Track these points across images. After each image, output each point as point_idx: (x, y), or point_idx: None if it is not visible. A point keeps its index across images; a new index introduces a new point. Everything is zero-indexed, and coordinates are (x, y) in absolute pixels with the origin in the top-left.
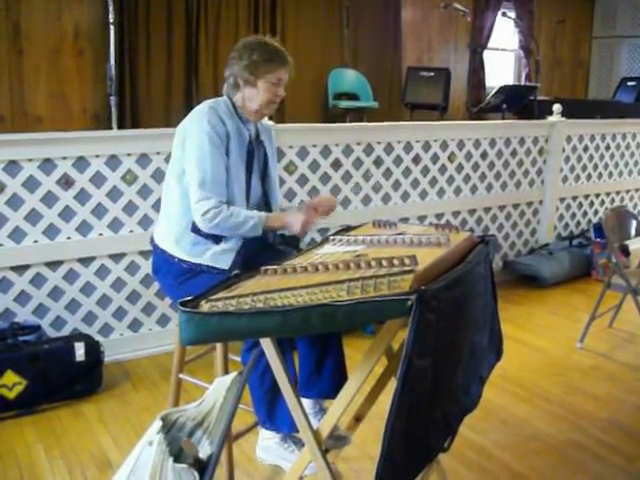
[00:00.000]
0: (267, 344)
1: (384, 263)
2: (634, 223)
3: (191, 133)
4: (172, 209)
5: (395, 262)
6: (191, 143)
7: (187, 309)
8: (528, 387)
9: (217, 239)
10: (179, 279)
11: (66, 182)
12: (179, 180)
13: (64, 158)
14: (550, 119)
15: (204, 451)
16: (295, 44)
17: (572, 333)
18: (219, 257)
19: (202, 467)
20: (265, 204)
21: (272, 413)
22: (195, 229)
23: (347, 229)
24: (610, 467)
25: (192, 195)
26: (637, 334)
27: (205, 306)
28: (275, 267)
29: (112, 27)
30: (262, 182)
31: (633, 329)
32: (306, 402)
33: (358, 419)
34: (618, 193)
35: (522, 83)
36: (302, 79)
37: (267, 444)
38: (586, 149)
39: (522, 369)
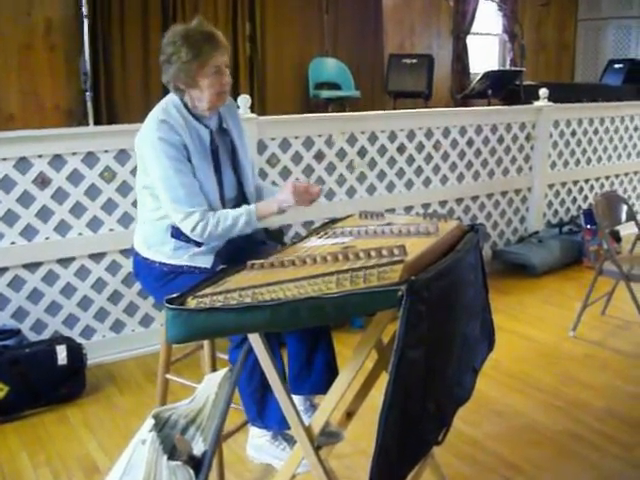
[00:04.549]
0: (256, 340)
1: (373, 254)
2: (624, 208)
3: (148, 155)
4: (148, 216)
5: (384, 253)
6: (151, 165)
7: (174, 306)
8: (521, 377)
9: (198, 242)
10: (161, 281)
11: (42, 181)
12: (150, 190)
13: (40, 156)
14: (537, 104)
15: (198, 448)
16: (275, 34)
17: (564, 322)
18: (200, 257)
19: (196, 464)
20: (241, 194)
21: (262, 411)
22: (176, 235)
23: (333, 221)
24: (607, 456)
25: (173, 215)
26: (630, 321)
27: (192, 302)
28: (262, 261)
29: (85, 20)
30: (234, 173)
31: (626, 316)
32: (296, 399)
33: (350, 414)
34: (607, 178)
35: (507, 68)
36: (282, 69)
37: (258, 442)
38: (574, 134)
39: (515, 359)
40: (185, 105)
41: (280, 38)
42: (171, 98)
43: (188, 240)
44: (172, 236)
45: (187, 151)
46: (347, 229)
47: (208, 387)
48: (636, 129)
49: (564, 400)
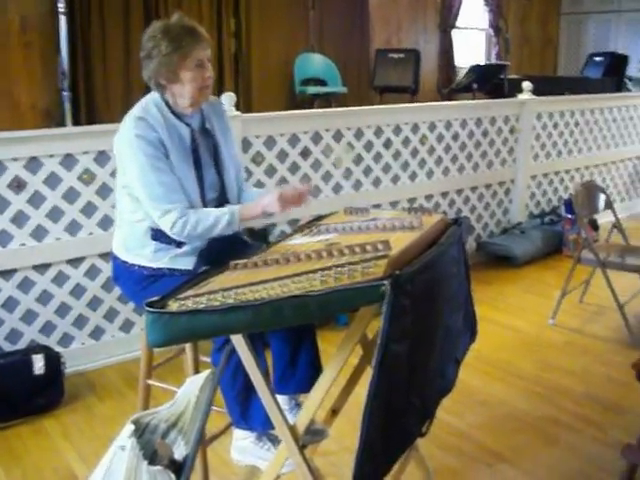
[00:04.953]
0: (239, 341)
1: (357, 250)
2: (602, 197)
3: (125, 153)
4: (127, 218)
5: (368, 248)
6: (128, 163)
7: (154, 309)
8: (503, 367)
9: (180, 242)
10: (141, 285)
11: (18, 185)
12: (128, 190)
13: (15, 159)
14: (520, 97)
15: (179, 452)
16: (260, 30)
17: (545, 310)
18: (181, 259)
19: (178, 468)
20: (223, 196)
21: (246, 412)
22: (156, 237)
23: (318, 218)
24: (584, 438)
25: (152, 213)
26: (607, 307)
27: (173, 305)
28: (245, 261)
29: (63, 17)
30: (217, 174)
31: (603, 302)
32: (281, 399)
33: (335, 411)
34: (587, 168)
35: (492, 62)
36: (268, 66)
37: (242, 444)
38: (556, 126)
39: (497, 349)
40: (166, 103)
41: (265, 34)
42: (152, 96)
43: (169, 242)
44: (152, 238)
45: (165, 148)
46: (332, 226)
47: (189, 390)
48: (614, 120)
49: (545, 387)
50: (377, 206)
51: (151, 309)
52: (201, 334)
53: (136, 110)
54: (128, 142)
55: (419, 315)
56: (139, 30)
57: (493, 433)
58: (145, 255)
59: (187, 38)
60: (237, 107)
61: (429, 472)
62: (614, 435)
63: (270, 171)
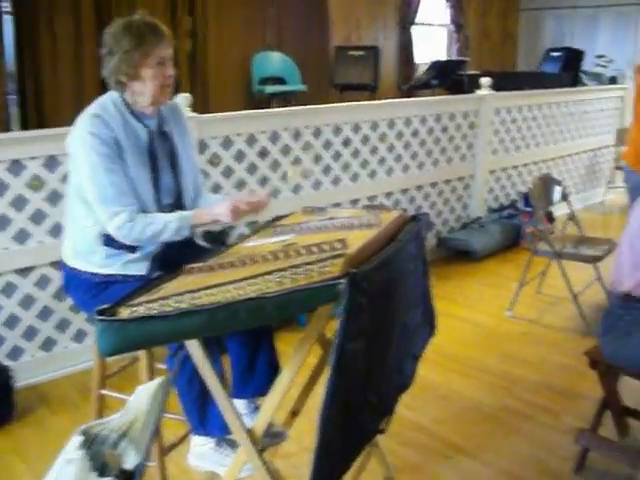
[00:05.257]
0: (193, 347)
1: (314, 250)
2: (558, 189)
3: (77, 150)
4: (78, 222)
5: (325, 247)
6: (80, 162)
7: (104, 317)
8: (463, 360)
9: (132, 248)
10: (92, 292)
11: None
12: (80, 192)
13: None
14: (479, 93)
15: (131, 461)
16: (217, 28)
17: (503, 302)
18: (134, 264)
19: (128, 477)
20: (179, 201)
21: (204, 418)
22: (108, 242)
23: (276, 219)
24: (540, 425)
25: (101, 215)
26: (562, 297)
27: (124, 312)
28: (200, 265)
29: (7, 17)
30: (173, 179)
31: (559, 292)
32: (241, 402)
33: (295, 413)
34: (544, 162)
35: (452, 58)
36: (225, 65)
37: (201, 450)
38: (514, 121)
39: (457, 343)
40: (125, 103)
41: (222, 33)
42: (110, 95)
43: (121, 247)
44: (104, 244)
45: (120, 148)
46: (289, 226)
47: (140, 398)
48: (570, 114)
49: (503, 378)
50: (337, 205)
51: (101, 317)
52: (154, 341)
53: (92, 107)
54: (81, 140)
55: (376, 313)
56: (90, 29)
57: (453, 426)
58: (96, 261)
59: (150, 35)
60: (193, 108)
61: (390, 468)
62: (569, 421)
63: (227, 172)
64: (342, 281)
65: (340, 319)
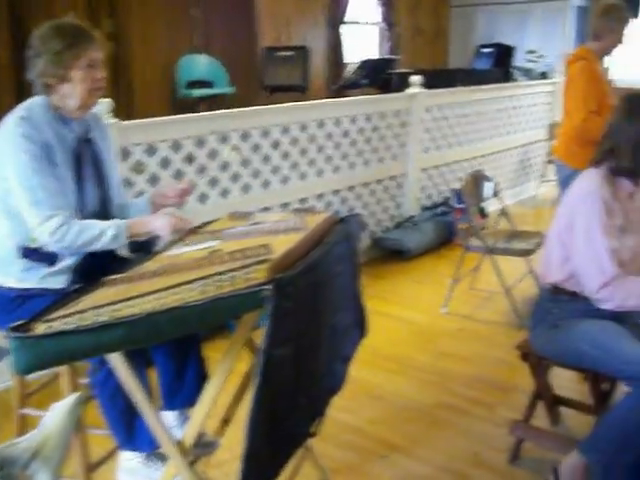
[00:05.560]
0: (116, 360)
1: (238, 256)
2: (490, 185)
3: (6, 154)
4: None
5: (249, 253)
6: (10, 165)
7: (18, 334)
8: (398, 359)
9: (52, 260)
10: (7, 308)
11: None
12: (1, 201)
13: None
14: (409, 91)
15: None
16: (141, 30)
17: (438, 299)
18: (53, 278)
19: None
20: (104, 211)
21: (131, 433)
22: (26, 254)
23: (202, 225)
24: (474, 419)
25: (31, 220)
26: (495, 291)
27: (40, 328)
28: (121, 276)
29: None
30: (98, 187)
31: (492, 287)
32: (171, 414)
33: (226, 421)
34: (476, 158)
35: (382, 56)
36: (150, 68)
37: (130, 465)
38: (446, 118)
39: (391, 343)
40: (52, 106)
41: (147, 35)
42: (35, 99)
43: (40, 259)
44: (23, 256)
45: (50, 151)
46: (215, 233)
47: (55, 416)
48: (502, 110)
49: (438, 375)
50: (267, 209)
51: (15, 334)
52: (73, 356)
53: (19, 111)
54: (12, 142)
55: (303, 317)
56: (4, 32)
57: (388, 425)
58: (12, 274)
59: (80, 37)
60: (117, 114)
61: (324, 471)
62: (503, 414)
63: (153, 180)
64: (267, 287)
65: (266, 325)
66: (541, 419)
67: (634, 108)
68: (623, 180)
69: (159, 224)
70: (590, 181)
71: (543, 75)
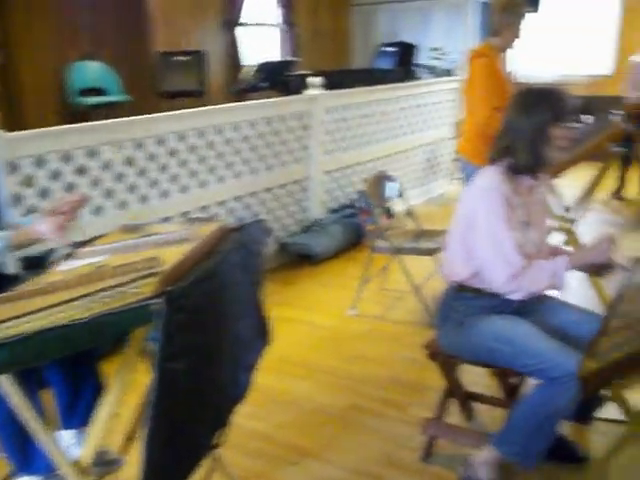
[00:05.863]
0: (5, 384)
1: (127, 270)
2: (393, 185)
3: None
4: None
5: (138, 267)
6: None
7: None
8: (307, 364)
9: None
10: None
11: None
12: None
13: None
14: (309, 93)
15: None
16: (29, 37)
17: (347, 302)
18: None
19: None
20: None
21: (27, 457)
22: None
23: (92, 239)
24: (387, 420)
25: None
26: (405, 291)
27: None
28: (4, 295)
29: None
30: None
31: (402, 287)
32: (70, 433)
33: (130, 437)
34: (380, 159)
35: (281, 59)
36: (41, 77)
37: None
38: (347, 119)
39: (300, 348)
40: None
41: (36, 42)
42: None
43: None
44: None
45: None
46: (105, 247)
47: None
48: (405, 109)
49: (349, 377)
50: (167, 219)
51: None
52: None
53: None
54: None
55: (199, 328)
56: None
57: (299, 431)
58: None
59: None
60: (3, 125)
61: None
62: (416, 413)
63: (44, 193)
64: (157, 300)
65: (158, 339)
66: (455, 416)
67: (529, 104)
68: (523, 175)
69: (43, 227)
70: (489, 179)
71: (447, 72)
